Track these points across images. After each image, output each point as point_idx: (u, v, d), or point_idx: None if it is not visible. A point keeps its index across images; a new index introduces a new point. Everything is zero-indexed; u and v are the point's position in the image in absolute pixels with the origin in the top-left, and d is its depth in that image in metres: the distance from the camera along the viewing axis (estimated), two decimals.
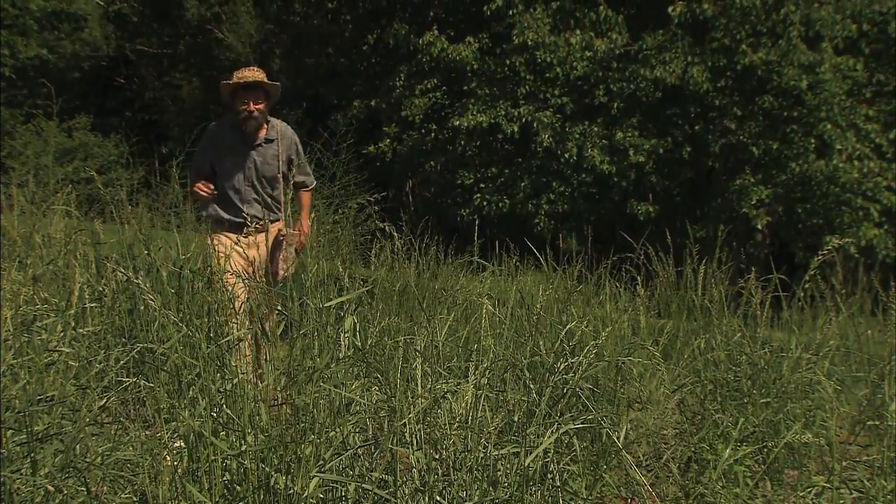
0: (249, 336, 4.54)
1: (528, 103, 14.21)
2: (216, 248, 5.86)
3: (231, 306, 4.60)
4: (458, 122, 14.28)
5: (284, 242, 6.21)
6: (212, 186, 6.13)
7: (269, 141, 6.33)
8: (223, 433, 3.25)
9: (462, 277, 8.26)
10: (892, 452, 3.35)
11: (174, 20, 22.16)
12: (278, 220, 6.38)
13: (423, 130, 15.05)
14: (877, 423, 3.96)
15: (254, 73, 6.26)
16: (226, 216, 6.18)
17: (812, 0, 13.45)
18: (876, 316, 7.46)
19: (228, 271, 5.40)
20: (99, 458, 3.43)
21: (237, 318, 4.52)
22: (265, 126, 6.31)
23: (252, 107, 6.17)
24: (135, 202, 9.25)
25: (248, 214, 5.90)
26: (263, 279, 5.23)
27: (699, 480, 4.07)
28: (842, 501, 3.29)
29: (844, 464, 3.50)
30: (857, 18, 13.76)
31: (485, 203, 14.33)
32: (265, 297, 4.57)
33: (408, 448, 3.15)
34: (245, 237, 5.96)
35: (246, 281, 4.93)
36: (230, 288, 4.99)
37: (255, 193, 6.27)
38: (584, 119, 14.10)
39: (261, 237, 6.14)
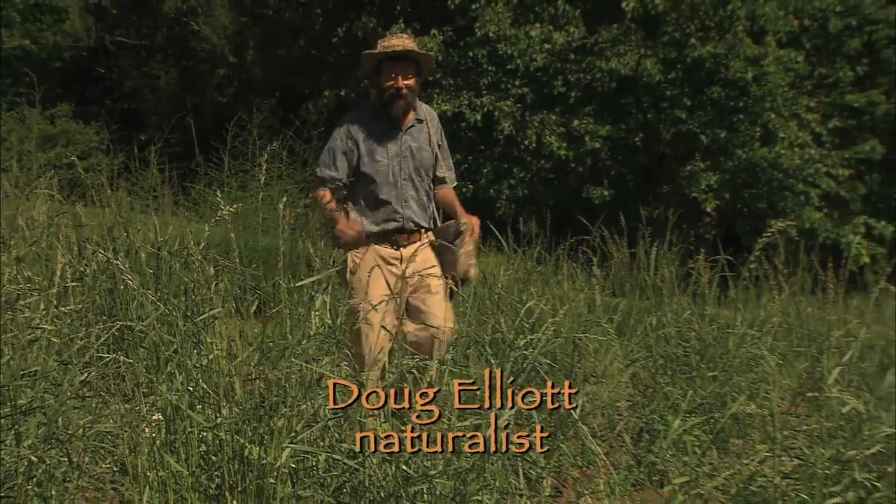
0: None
1: (491, 93, 14.23)
2: (363, 283, 4.51)
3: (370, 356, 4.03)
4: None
5: (466, 233, 4.68)
6: (359, 226, 4.62)
7: (419, 121, 4.86)
8: (199, 406, 3.24)
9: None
10: (829, 422, 3.38)
11: (152, 13, 22.00)
12: (430, 227, 4.85)
13: None
14: (816, 394, 3.99)
15: (403, 42, 4.74)
16: (375, 228, 4.67)
17: None
18: (815, 294, 7.51)
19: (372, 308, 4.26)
20: (80, 430, 3.41)
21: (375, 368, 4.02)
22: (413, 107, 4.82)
23: (401, 82, 4.68)
24: (115, 186, 9.17)
25: (405, 217, 4.67)
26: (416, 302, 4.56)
27: (650, 449, 4.09)
28: (783, 468, 3.32)
29: (786, 433, 3.53)
30: (798, 15, 13.87)
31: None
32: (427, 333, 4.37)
33: (375, 420, 3.15)
34: (402, 247, 4.68)
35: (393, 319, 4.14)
36: (374, 335, 4.19)
37: (413, 189, 4.75)
38: (543, 108, 14.11)
39: (413, 249, 4.72)
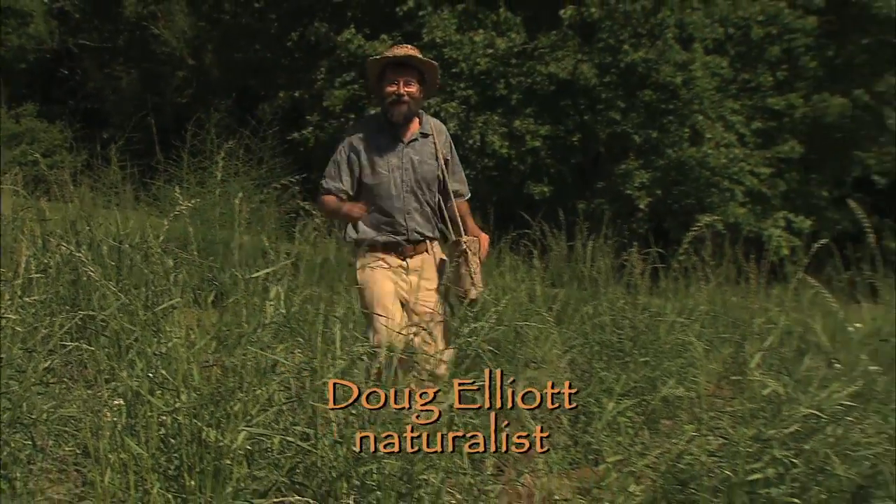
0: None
1: (437, 95, 14.21)
2: (375, 286, 4.41)
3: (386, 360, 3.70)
4: (374, 112, 14.17)
5: (469, 252, 4.47)
6: (363, 205, 4.50)
7: (424, 135, 4.65)
8: (159, 392, 3.22)
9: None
10: (751, 404, 3.41)
11: (113, 17, 21.70)
12: (438, 239, 4.71)
13: (342, 119, 14.97)
14: (739, 378, 4.03)
15: (406, 50, 4.58)
16: (380, 237, 4.51)
17: (685, 5, 13.62)
18: (739, 284, 7.59)
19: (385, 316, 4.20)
20: (44, 415, 3.39)
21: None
22: (417, 119, 4.64)
23: (402, 88, 4.48)
24: (78, 183, 9.08)
25: (409, 228, 4.52)
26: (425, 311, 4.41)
27: (587, 430, 4.11)
28: (709, 446, 3.35)
29: (711, 414, 3.56)
30: (724, 23, 14.00)
31: None
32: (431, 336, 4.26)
33: (327, 404, 3.14)
34: (409, 258, 4.54)
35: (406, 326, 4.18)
36: (387, 337, 3.98)
37: (415, 201, 4.57)
38: (486, 109, 14.11)
39: (420, 260, 4.58)
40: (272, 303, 3.80)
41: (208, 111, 11.83)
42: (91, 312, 3.97)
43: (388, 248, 4.50)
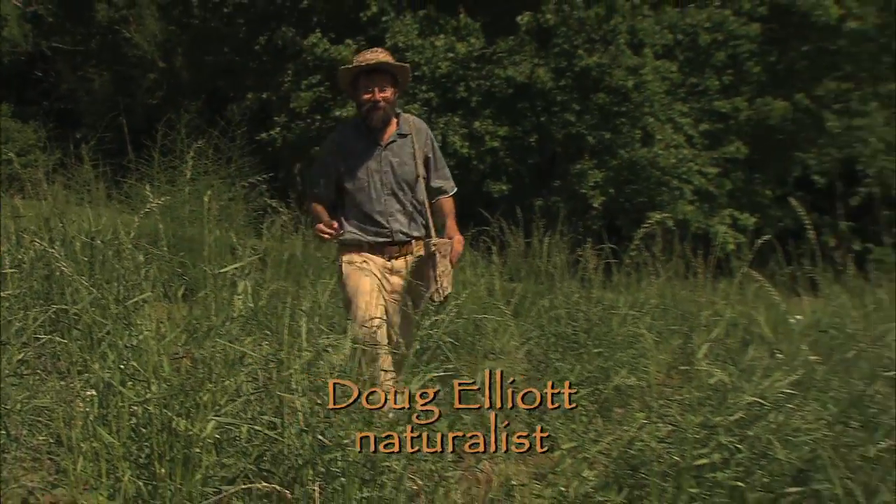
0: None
1: (400, 97, 14.16)
2: (359, 282, 4.31)
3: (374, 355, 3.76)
4: (339, 113, 14.21)
5: (437, 254, 4.37)
6: (336, 226, 4.36)
7: (402, 136, 4.57)
8: (130, 383, 3.20)
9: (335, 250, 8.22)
10: (699, 392, 3.44)
11: (86, 21, 21.48)
12: (423, 236, 4.53)
13: (308, 120, 14.92)
14: (687, 367, 4.06)
15: (377, 55, 4.46)
16: (365, 238, 4.42)
17: (636, 13, 13.69)
18: (688, 278, 7.64)
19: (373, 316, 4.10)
20: (18, 405, 3.36)
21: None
22: (395, 120, 4.59)
23: (377, 95, 4.41)
24: (51, 181, 8.98)
25: (392, 230, 4.43)
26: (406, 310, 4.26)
27: (542, 418, 4.12)
28: (658, 433, 3.37)
29: (661, 402, 3.58)
30: (672, 30, 14.07)
31: None
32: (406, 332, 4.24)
33: (294, 394, 3.13)
34: (394, 259, 4.44)
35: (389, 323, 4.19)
36: (375, 333, 3.97)
37: (397, 203, 4.47)
38: (447, 111, 14.10)
39: (406, 262, 4.48)
40: (240, 297, 3.79)
41: (178, 112, 11.72)
42: (64, 306, 3.93)
43: (374, 248, 4.41)
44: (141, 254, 3.97)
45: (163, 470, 3.04)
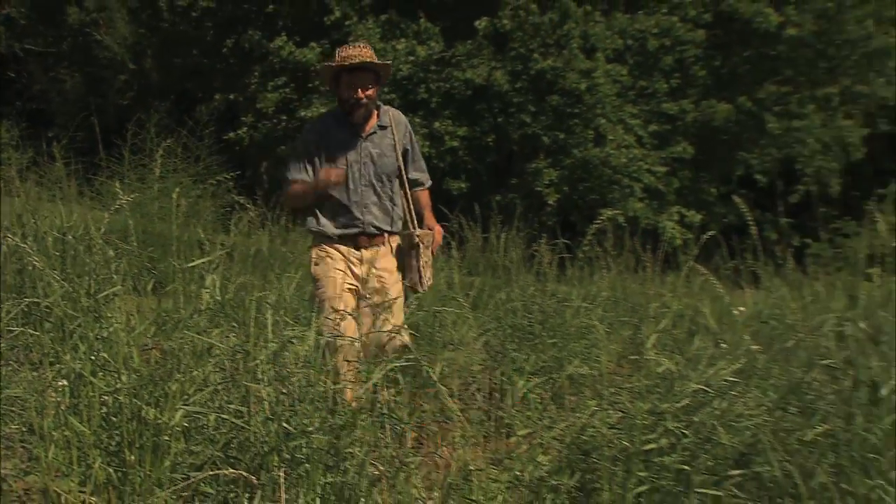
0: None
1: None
2: (326, 275, 4.23)
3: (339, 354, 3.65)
4: (304, 113, 14.14)
5: (421, 245, 4.32)
6: (341, 170, 4.26)
7: (382, 128, 4.43)
8: (101, 373, 3.18)
9: (307, 243, 8.19)
10: (647, 380, 3.46)
11: (58, 23, 21.19)
12: (397, 232, 4.47)
13: (274, 120, 14.85)
14: (637, 357, 4.08)
15: (360, 52, 4.28)
16: (336, 229, 4.32)
17: (589, 19, 13.73)
18: (637, 272, 7.69)
19: (339, 310, 3.95)
20: None
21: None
22: (375, 112, 4.43)
23: (361, 93, 4.27)
24: (24, 178, 8.90)
25: (365, 222, 4.32)
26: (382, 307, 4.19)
27: (500, 406, 4.13)
28: (609, 420, 3.39)
29: (612, 390, 3.60)
30: (623, 35, 14.12)
31: None
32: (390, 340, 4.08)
33: (260, 384, 3.12)
34: (363, 249, 4.33)
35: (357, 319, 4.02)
36: (340, 328, 3.80)
37: (374, 195, 4.35)
38: (408, 111, 13.98)
39: (376, 252, 4.37)
40: (208, 290, 3.77)
41: (148, 112, 11.64)
42: (36, 299, 3.89)
43: (344, 239, 4.33)
44: (111, 249, 3.93)
45: (132, 457, 3.01)
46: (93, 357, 3.24)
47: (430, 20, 14.04)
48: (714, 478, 3.15)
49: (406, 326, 4.26)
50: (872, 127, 17.81)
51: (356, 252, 4.32)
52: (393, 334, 4.06)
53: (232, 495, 3.01)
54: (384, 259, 4.37)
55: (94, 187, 9.52)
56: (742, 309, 5.04)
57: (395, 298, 4.31)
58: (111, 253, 3.89)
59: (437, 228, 4.48)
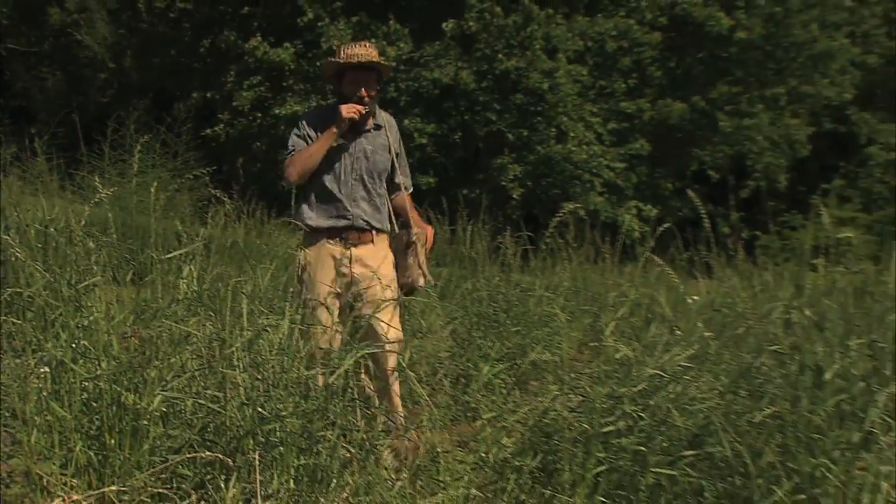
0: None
1: (335, 97, 14.09)
2: (313, 283, 4.01)
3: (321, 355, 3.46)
4: (278, 111, 14.11)
5: (417, 243, 4.14)
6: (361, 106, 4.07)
7: (377, 127, 4.26)
8: (81, 360, 3.14)
9: (281, 235, 8.17)
10: (606, 366, 3.47)
11: (40, 24, 20.97)
12: (386, 231, 4.23)
13: (250, 117, 14.77)
14: (596, 344, 4.10)
15: (367, 51, 4.11)
16: (325, 223, 4.09)
17: (550, 21, 13.75)
18: (597, 263, 7.72)
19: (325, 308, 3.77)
20: None
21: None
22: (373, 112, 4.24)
23: (365, 92, 4.11)
24: (7, 173, 8.80)
25: (354, 215, 4.09)
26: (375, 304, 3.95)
27: (466, 391, 4.14)
28: (570, 403, 3.40)
29: (573, 375, 3.61)
30: (583, 37, 14.15)
31: None
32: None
33: (235, 370, 3.10)
34: (352, 246, 4.10)
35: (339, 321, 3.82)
36: (324, 333, 3.67)
37: (363, 190, 4.12)
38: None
39: (365, 250, 4.13)
40: (185, 280, 3.74)
41: (128, 109, 11.59)
42: (18, 290, 3.84)
43: (333, 233, 4.09)
44: (91, 241, 3.89)
45: (112, 441, 3.00)
46: (74, 345, 3.20)
47: (399, 22, 14.01)
48: (669, 458, 3.16)
49: (399, 328, 4.13)
50: (817, 125, 18.02)
51: (345, 250, 4.10)
52: (390, 340, 3.93)
53: (209, 477, 2.99)
54: (372, 258, 4.14)
55: (76, 182, 9.44)
56: (696, 298, 5.07)
57: (389, 299, 4.08)
58: (91, 245, 3.85)
59: (429, 228, 4.32)
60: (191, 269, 3.79)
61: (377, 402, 3.73)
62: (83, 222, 3.95)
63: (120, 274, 4.58)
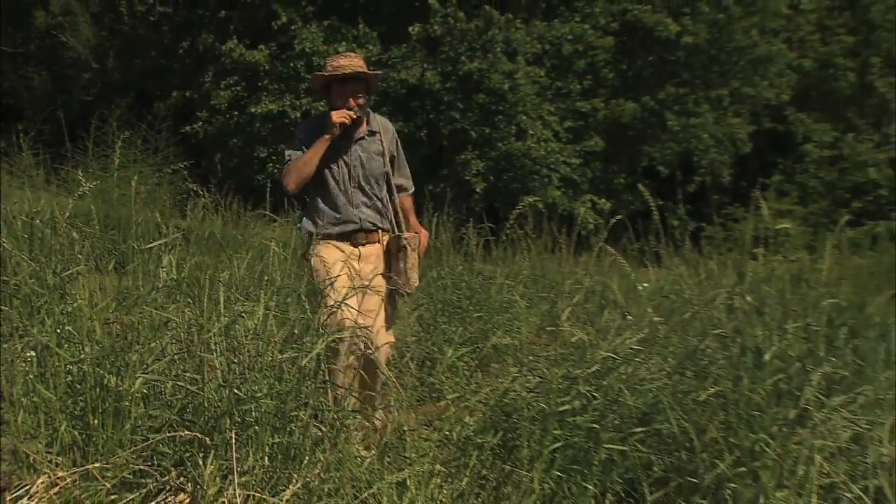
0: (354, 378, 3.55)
1: (307, 96, 14.05)
2: (324, 267, 3.87)
3: (338, 340, 3.49)
4: (254, 110, 14.01)
5: (408, 248, 4.05)
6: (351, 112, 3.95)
7: (371, 133, 4.13)
8: (66, 345, 3.12)
9: (257, 226, 8.12)
10: (562, 349, 3.48)
11: (26, 26, 20.70)
12: (389, 230, 4.17)
13: (227, 115, 14.64)
14: (553, 328, 4.11)
15: (352, 62, 3.99)
16: (335, 230, 4.02)
17: (510, 26, 13.75)
18: (554, 253, 7.74)
19: (335, 302, 3.54)
20: None
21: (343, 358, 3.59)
22: (365, 119, 4.13)
23: (352, 103, 3.98)
24: None
25: (361, 219, 4.03)
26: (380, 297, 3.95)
27: (431, 373, 4.13)
28: (528, 384, 3.41)
29: (531, 358, 3.62)
30: (541, 40, 14.16)
31: (275, 171, 14.08)
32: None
33: (213, 354, 3.08)
34: (361, 246, 4.04)
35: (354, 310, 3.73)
36: (339, 317, 3.53)
37: (364, 196, 4.06)
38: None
39: (373, 249, 4.09)
40: (165, 269, 3.71)
41: (110, 108, 11.48)
42: (5, 278, 3.79)
43: (343, 237, 4.02)
44: (75, 232, 3.85)
45: (96, 421, 2.99)
46: (58, 330, 3.19)
47: (368, 26, 13.96)
48: (620, 435, 3.18)
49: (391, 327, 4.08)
50: (758, 124, 18.23)
51: (355, 249, 4.03)
52: (381, 338, 3.91)
53: (188, 455, 2.98)
54: (378, 256, 4.10)
55: (60, 176, 9.35)
56: (646, 285, 5.11)
57: (385, 298, 4.03)
58: (75, 235, 3.81)
59: (424, 232, 4.23)
60: (170, 258, 3.76)
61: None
62: (67, 214, 3.92)
63: (102, 263, 4.51)
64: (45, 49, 20.91)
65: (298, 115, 14.03)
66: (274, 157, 14.38)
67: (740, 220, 14.78)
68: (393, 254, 4.09)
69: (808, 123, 19.48)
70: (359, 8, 14.47)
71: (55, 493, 2.84)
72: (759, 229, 4.25)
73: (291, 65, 14.17)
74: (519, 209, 4.92)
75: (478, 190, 13.71)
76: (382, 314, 4.03)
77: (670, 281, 5.29)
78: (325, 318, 3.43)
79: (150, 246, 3.86)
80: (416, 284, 4.13)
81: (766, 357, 3.26)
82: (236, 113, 14.64)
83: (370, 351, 3.64)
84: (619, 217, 4.77)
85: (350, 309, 3.65)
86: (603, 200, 14.67)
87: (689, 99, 16.03)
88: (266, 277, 4.04)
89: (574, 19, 14.68)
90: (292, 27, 14.17)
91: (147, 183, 8.44)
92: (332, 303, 3.54)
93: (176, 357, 3.22)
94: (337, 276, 3.75)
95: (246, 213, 8.50)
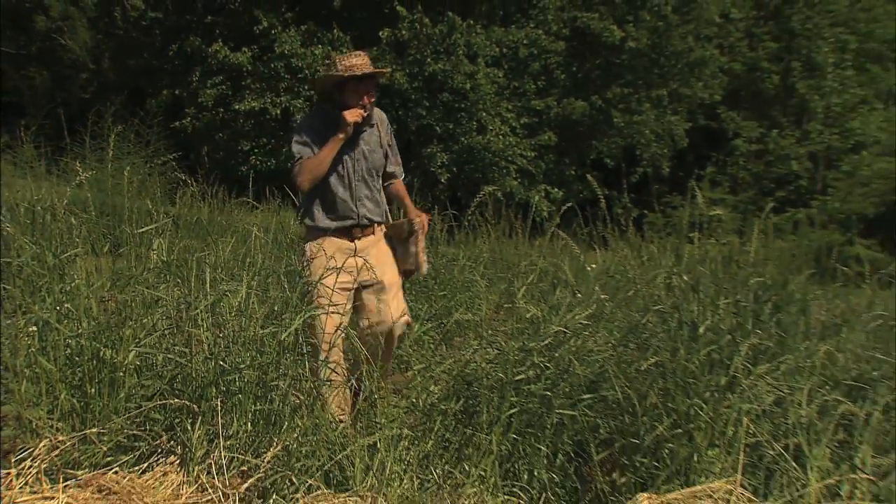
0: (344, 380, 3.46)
1: (287, 94, 13.96)
2: (319, 274, 3.53)
3: (329, 344, 3.39)
4: (238, 107, 13.89)
5: (419, 232, 3.87)
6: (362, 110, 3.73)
7: (371, 126, 3.90)
8: (65, 321, 3.09)
9: (240, 214, 8.07)
10: (519, 324, 3.49)
11: (27, 30, 20.41)
12: (384, 221, 3.96)
13: (213, 112, 14.50)
14: (510, 305, 4.11)
15: (365, 61, 3.75)
16: (333, 224, 3.78)
17: (471, 31, 13.73)
18: (511, 237, 7.76)
19: (329, 305, 3.41)
20: None
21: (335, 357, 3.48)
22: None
23: (367, 100, 3.76)
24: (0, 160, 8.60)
25: (360, 214, 3.81)
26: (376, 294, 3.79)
27: (400, 347, 4.12)
28: (488, 356, 3.42)
29: (490, 332, 3.63)
30: (499, 44, 14.16)
31: (258, 163, 14.00)
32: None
33: (200, 329, 3.07)
34: (357, 240, 3.81)
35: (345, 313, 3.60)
36: (335, 319, 3.43)
37: (366, 188, 3.83)
38: None
39: (368, 241, 3.85)
40: (156, 252, 3.69)
41: (106, 104, 11.34)
42: (9, 260, 3.74)
43: (339, 232, 3.78)
44: (73, 217, 3.80)
45: (93, 390, 2.98)
46: (58, 307, 3.16)
47: (341, 30, 13.88)
48: (570, 401, 3.20)
49: (406, 309, 3.93)
50: (693, 121, 18.37)
51: (349, 243, 3.80)
52: (397, 318, 3.80)
53: (177, 421, 2.97)
54: (375, 247, 3.88)
55: (60, 167, 9.25)
56: (594, 266, 5.13)
57: (393, 283, 3.87)
58: (73, 221, 3.78)
59: (425, 216, 3.98)
60: (161, 242, 3.74)
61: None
62: (66, 201, 3.88)
63: (98, 246, 4.45)
64: (45, 51, 20.61)
65: (278, 111, 13.94)
66: (256, 150, 14.28)
67: (678, 208, 14.91)
68: (403, 239, 3.91)
69: (738, 121, 19.70)
70: (333, 14, 14.38)
71: (56, 456, 2.83)
72: (695, 216, 4.28)
73: (272, 66, 14.07)
74: (479, 198, 4.92)
75: (442, 180, 13.70)
76: (399, 296, 3.90)
77: (616, 262, 5.32)
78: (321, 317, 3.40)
79: (142, 231, 3.83)
80: (427, 266, 3.99)
81: (701, 330, 3.29)
82: (222, 110, 14.51)
83: (389, 326, 3.68)
84: (569, 205, 4.79)
85: (340, 306, 3.57)
86: (555, 190, 14.73)
87: (632, 98, 16.13)
88: (249, 260, 4.01)
89: (529, 25, 14.69)
90: (272, 31, 14.09)
91: (139, 173, 8.34)
92: (324, 301, 3.42)
93: (166, 332, 3.21)
94: (333, 270, 3.49)
95: (230, 200, 8.44)
